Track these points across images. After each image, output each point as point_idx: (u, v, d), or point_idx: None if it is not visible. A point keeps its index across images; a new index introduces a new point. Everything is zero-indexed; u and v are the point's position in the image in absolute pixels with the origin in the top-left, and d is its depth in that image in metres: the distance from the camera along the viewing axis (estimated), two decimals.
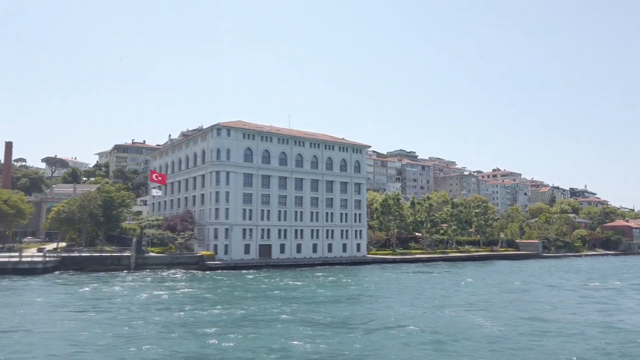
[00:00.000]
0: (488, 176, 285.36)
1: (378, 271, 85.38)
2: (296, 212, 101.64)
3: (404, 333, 34.48)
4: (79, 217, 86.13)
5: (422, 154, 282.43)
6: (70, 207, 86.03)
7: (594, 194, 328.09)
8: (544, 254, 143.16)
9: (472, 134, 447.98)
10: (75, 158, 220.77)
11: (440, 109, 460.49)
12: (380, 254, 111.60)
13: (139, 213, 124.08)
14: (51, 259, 72.99)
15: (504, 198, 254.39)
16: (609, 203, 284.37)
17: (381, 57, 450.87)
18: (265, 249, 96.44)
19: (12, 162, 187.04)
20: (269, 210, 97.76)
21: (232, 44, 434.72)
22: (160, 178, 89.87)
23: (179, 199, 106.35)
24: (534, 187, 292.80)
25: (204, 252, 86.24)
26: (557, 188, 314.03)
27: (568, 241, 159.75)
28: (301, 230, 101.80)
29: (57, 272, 69.88)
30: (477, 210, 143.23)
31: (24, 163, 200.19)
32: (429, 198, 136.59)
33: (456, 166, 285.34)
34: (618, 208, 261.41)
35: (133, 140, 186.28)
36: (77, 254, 77.81)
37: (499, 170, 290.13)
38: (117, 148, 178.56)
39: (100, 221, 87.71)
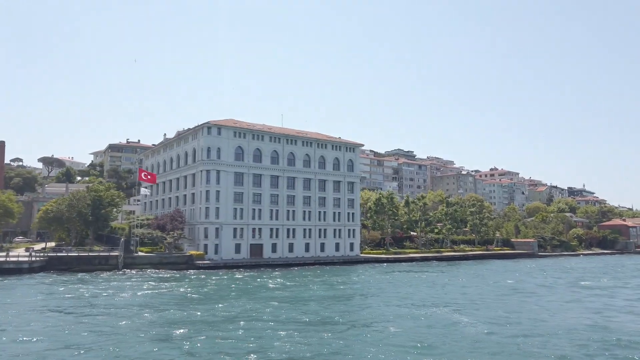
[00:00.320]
0: (485, 175, 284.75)
1: (369, 271, 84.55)
2: (288, 211, 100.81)
3: (386, 333, 33.80)
4: (68, 217, 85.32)
5: (421, 154, 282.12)
6: (58, 207, 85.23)
7: (592, 193, 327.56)
8: (540, 253, 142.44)
9: (471, 133, 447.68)
10: (73, 158, 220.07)
11: (439, 108, 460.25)
12: (373, 254, 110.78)
13: (133, 212, 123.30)
14: (37, 258, 72.08)
15: (501, 197, 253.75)
16: (607, 202, 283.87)
17: (381, 57, 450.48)
18: (256, 249, 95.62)
19: (9, 162, 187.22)
20: (260, 210, 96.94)
21: (229, 43, 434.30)
22: (149, 177, 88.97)
23: (170, 198, 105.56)
24: (532, 187, 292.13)
25: (193, 252, 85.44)
26: (556, 187, 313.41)
27: (564, 240, 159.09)
28: (293, 230, 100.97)
29: (44, 273, 69.02)
30: (472, 210, 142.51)
31: (20, 163, 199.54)
32: (423, 197, 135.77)
33: (454, 165, 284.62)
34: (616, 207, 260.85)
35: (128, 139, 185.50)
36: (65, 254, 76.95)
37: (497, 169, 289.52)
38: (112, 147, 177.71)
39: (89, 220, 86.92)
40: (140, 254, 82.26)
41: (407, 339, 31.95)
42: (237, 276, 72.45)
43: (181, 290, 55.39)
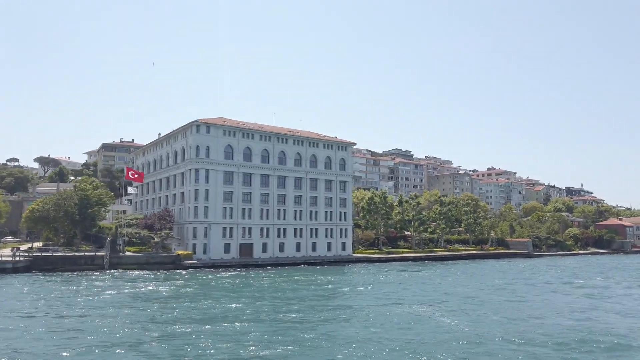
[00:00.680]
0: (483, 175, 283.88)
1: (360, 270, 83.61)
2: (279, 210, 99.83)
3: (363, 331, 33.00)
4: (54, 216, 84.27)
5: (419, 154, 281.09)
6: (44, 206, 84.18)
7: (590, 193, 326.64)
8: (535, 252, 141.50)
9: (470, 133, 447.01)
10: (69, 158, 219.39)
11: (437, 108, 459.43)
12: (366, 253, 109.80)
13: (124, 212, 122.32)
14: (22, 258, 71.09)
15: (498, 197, 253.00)
16: (605, 202, 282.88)
17: (379, 57, 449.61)
18: (246, 248, 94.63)
19: (5, 162, 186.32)
20: (250, 209, 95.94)
21: (227, 43, 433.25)
22: (136, 176, 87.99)
23: (159, 197, 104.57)
24: (529, 186, 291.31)
25: (181, 252, 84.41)
26: (553, 187, 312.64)
27: (560, 240, 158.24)
28: (284, 229, 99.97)
29: (28, 273, 68.02)
30: (466, 209, 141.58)
31: (17, 163, 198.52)
32: (416, 196, 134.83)
33: (452, 165, 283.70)
34: (614, 207, 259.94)
35: (121, 139, 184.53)
36: (50, 254, 75.94)
37: (494, 169, 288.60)
38: (105, 147, 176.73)
39: (77, 220, 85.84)
40: (127, 253, 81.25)
41: (384, 337, 31.22)
42: (222, 275, 71.48)
43: (162, 290, 54.42)
